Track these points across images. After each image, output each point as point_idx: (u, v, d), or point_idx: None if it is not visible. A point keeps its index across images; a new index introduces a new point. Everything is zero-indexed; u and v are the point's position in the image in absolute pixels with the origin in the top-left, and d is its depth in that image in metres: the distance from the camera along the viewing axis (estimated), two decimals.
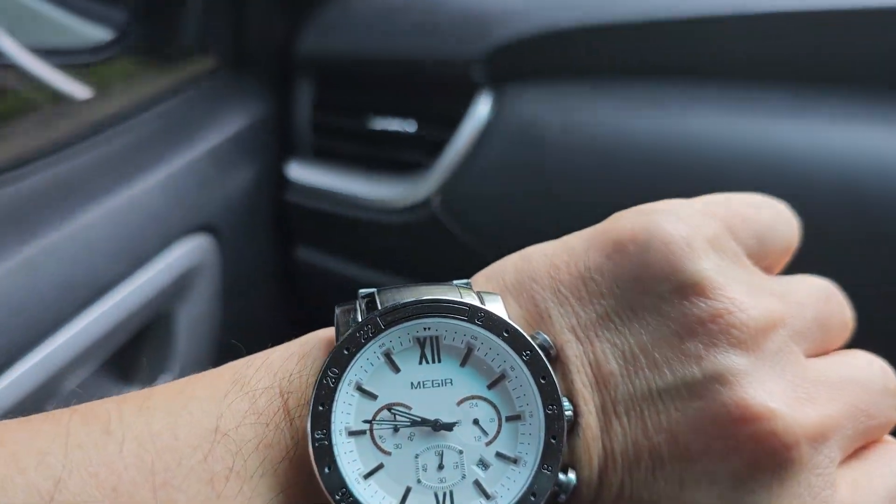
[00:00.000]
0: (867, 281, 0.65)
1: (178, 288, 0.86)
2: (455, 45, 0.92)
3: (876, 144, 0.68)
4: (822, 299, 0.32)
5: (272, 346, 0.32)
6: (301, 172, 1.05)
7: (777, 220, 0.34)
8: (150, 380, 0.85)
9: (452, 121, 0.91)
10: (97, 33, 0.92)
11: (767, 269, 0.34)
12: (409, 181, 0.95)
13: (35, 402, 0.64)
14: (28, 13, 0.88)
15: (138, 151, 0.85)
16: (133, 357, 0.84)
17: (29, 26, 0.86)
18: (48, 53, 0.81)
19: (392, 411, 0.29)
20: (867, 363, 0.32)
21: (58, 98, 0.82)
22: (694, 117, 0.77)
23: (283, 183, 1.06)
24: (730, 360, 0.28)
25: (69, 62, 0.85)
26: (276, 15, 1.06)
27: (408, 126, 0.97)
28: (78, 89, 0.84)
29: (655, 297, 0.30)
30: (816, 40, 0.74)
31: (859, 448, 0.31)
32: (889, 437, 0.33)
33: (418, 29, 0.97)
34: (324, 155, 1.06)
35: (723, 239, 0.31)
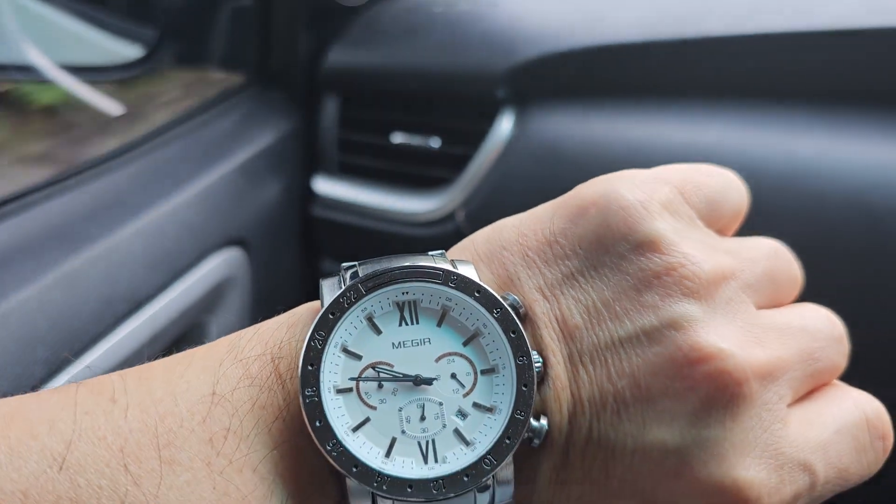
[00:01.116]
0: (878, 291, 0.66)
1: (211, 299, 0.89)
2: (479, 62, 0.94)
3: (887, 159, 0.69)
4: (772, 256, 0.35)
5: None
6: (327, 186, 1.08)
7: (727, 186, 0.36)
8: None
9: (476, 137, 0.93)
10: (128, 51, 0.95)
11: (720, 233, 0.36)
12: (433, 195, 0.97)
13: None
14: (60, 32, 0.90)
15: (174, 166, 0.88)
16: None
17: (61, 44, 0.89)
18: (80, 71, 0.84)
19: (376, 369, 0.32)
20: (815, 312, 0.34)
21: (93, 115, 0.85)
22: (713, 134, 0.78)
23: (310, 197, 1.10)
24: (683, 308, 0.31)
25: (101, 79, 0.88)
26: (303, 32, 1.09)
27: (432, 142, 1.00)
28: (111, 106, 0.87)
29: (615, 255, 0.32)
30: (827, 58, 0.75)
31: (811, 391, 0.33)
32: (838, 381, 0.34)
33: (442, 47, 0.99)
34: (349, 170, 1.09)
35: (676, 202, 0.33)
